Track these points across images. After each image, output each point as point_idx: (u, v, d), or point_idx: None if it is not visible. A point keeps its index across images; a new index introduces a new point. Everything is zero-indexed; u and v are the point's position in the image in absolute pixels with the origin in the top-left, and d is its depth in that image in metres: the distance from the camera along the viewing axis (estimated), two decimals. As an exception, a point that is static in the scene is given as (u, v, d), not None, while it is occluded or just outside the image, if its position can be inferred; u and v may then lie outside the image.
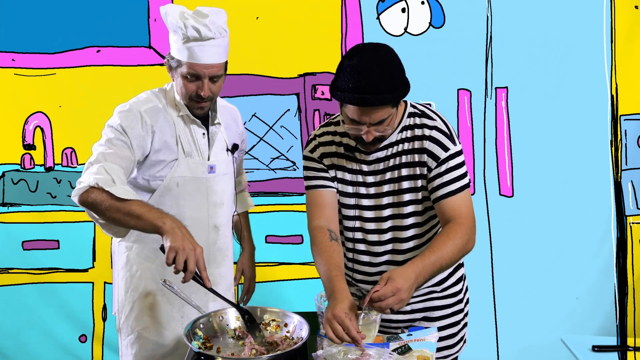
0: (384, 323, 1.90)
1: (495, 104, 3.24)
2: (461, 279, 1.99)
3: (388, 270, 1.69)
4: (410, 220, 1.85)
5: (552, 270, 3.26)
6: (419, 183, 1.81)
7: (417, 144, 1.81)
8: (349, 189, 1.89)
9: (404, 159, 1.82)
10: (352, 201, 1.88)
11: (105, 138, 1.87)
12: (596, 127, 3.25)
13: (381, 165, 1.85)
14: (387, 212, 1.86)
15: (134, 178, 1.97)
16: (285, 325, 1.78)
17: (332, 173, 1.90)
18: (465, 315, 2.01)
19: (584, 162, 3.24)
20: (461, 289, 1.98)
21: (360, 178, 1.87)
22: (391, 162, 1.83)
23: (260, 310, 1.82)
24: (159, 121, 1.94)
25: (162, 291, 2.01)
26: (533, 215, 3.25)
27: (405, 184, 1.82)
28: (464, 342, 2.02)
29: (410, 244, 1.87)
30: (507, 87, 3.23)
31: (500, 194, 3.27)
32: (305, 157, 1.94)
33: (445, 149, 1.78)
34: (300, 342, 1.64)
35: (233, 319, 1.80)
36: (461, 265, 2.01)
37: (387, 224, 1.87)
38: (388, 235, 1.87)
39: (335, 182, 1.90)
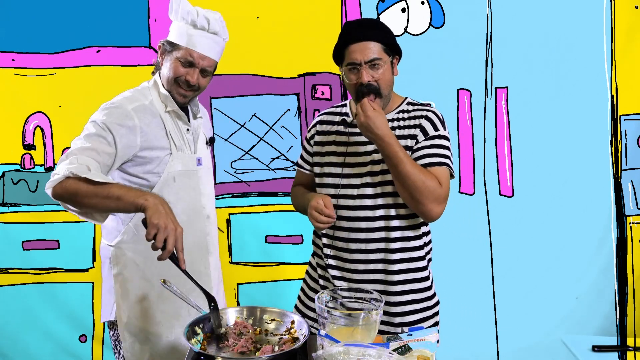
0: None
1: (495, 104, 3.24)
2: (428, 278, 2.06)
3: (370, 239, 1.98)
4: (393, 188, 1.95)
5: (552, 270, 3.26)
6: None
7: (413, 122, 1.98)
8: (336, 160, 2.04)
9: (397, 132, 1.97)
10: (338, 170, 2.03)
11: (85, 132, 1.87)
12: (596, 127, 3.25)
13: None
14: (370, 180, 1.98)
15: (130, 175, 1.97)
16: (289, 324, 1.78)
17: (317, 148, 2.10)
18: (436, 314, 2.08)
19: (584, 162, 3.24)
20: (429, 287, 2.06)
21: (350, 149, 2.02)
22: None
23: (260, 310, 1.82)
24: (147, 119, 1.95)
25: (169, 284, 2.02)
26: (533, 215, 3.25)
27: None
28: (437, 342, 2.05)
29: (394, 212, 1.98)
30: (507, 87, 3.23)
31: (500, 194, 3.27)
32: (305, 137, 2.20)
33: (436, 129, 1.97)
34: (300, 342, 1.64)
35: (233, 319, 1.80)
36: (427, 266, 2.07)
37: (369, 192, 1.98)
38: (373, 202, 1.98)
39: (319, 157, 2.09)
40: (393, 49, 1.95)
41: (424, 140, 1.95)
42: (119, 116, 1.90)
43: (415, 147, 1.95)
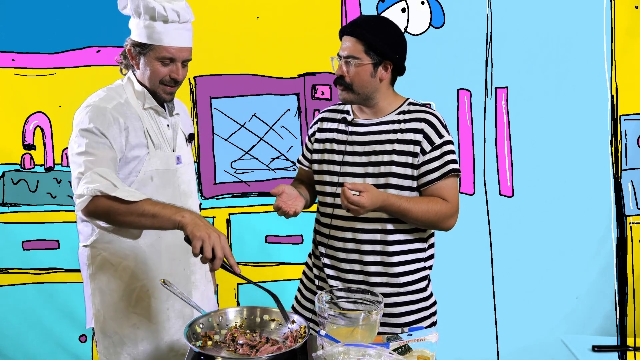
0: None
1: (495, 104, 3.24)
2: (425, 278, 2.06)
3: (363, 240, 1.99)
4: (393, 192, 1.95)
5: (552, 270, 3.26)
6: (410, 159, 1.95)
7: (415, 125, 1.96)
8: (336, 158, 2.04)
9: (398, 135, 1.96)
10: (337, 168, 2.03)
11: (84, 143, 1.81)
12: (596, 127, 3.25)
13: (372, 137, 2.00)
14: (370, 182, 1.97)
15: None
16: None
17: (318, 145, 2.10)
18: (433, 314, 2.08)
19: (584, 162, 3.24)
20: (425, 288, 2.05)
21: (349, 148, 2.02)
22: (384, 137, 1.98)
23: (261, 310, 1.83)
24: (127, 117, 1.90)
25: (145, 287, 1.99)
26: (533, 215, 3.25)
27: (395, 158, 1.95)
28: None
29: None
30: (507, 87, 3.23)
31: (500, 194, 3.27)
32: (307, 134, 2.21)
33: (441, 135, 1.95)
34: (300, 342, 1.65)
35: (232, 318, 1.80)
36: (427, 267, 2.08)
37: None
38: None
39: (319, 155, 2.10)
40: (382, 54, 1.93)
41: (430, 151, 1.94)
42: (106, 118, 1.85)
43: (422, 161, 1.94)
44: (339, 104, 2.16)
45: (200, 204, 2.21)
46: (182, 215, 1.63)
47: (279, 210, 2.00)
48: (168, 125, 2.02)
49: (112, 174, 1.75)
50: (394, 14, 3.18)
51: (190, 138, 2.13)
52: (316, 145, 2.12)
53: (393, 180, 1.95)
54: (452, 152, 1.97)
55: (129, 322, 2.00)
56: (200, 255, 1.59)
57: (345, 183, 1.80)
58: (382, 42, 1.93)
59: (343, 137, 2.05)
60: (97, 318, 2.02)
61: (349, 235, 2.01)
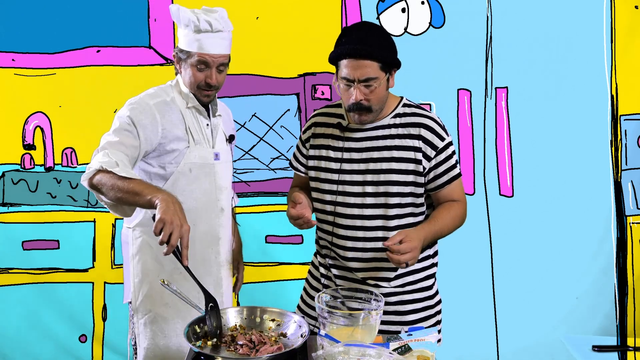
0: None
1: (495, 104, 3.25)
2: (432, 276, 2.07)
3: (367, 245, 1.96)
4: (394, 200, 1.94)
5: (552, 270, 3.26)
6: (411, 166, 1.93)
7: (413, 130, 1.94)
8: (333, 165, 2.01)
9: (396, 141, 1.94)
10: (335, 177, 2.00)
11: (113, 128, 2.02)
12: (596, 127, 3.25)
13: (369, 143, 1.97)
14: (370, 190, 1.96)
15: (150, 165, 2.10)
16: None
17: (313, 152, 2.06)
18: (438, 313, 2.08)
19: (584, 162, 3.24)
20: (431, 286, 2.06)
21: (346, 155, 1.98)
22: (381, 143, 1.95)
23: (260, 310, 1.83)
24: (167, 114, 2.09)
25: (179, 269, 2.00)
26: (533, 215, 3.25)
27: (395, 165, 1.93)
28: (439, 341, 2.07)
29: (394, 223, 1.96)
30: (507, 87, 3.23)
31: (500, 194, 3.27)
32: (299, 137, 2.16)
33: (442, 138, 1.93)
34: (300, 342, 1.65)
35: (232, 318, 1.80)
36: (435, 264, 2.08)
37: (370, 201, 1.96)
38: (370, 212, 1.96)
39: (315, 161, 2.05)
40: (391, 64, 1.90)
41: (436, 156, 1.93)
42: (142, 111, 2.04)
43: (429, 167, 1.93)
44: (331, 106, 2.10)
45: (233, 198, 2.34)
46: (157, 196, 1.73)
47: (299, 218, 1.91)
48: (207, 125, 2.18)
49: (121, 156, 1.91)
50: (394, 14, 3.19)
51: (230, 139, 2.29)
52: (311, 152, 2.07)
53: (393, 189, 1.93)
54: (454, 153, 1.98)
55: (163, 301, 2.13)
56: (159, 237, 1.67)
57: (388, 246, 1.76)
58: (390, 53, 1.89)
59: (339, 143, 2.00)
60: (134, 295, 2.17)
61: (349, 244, 1.99)
